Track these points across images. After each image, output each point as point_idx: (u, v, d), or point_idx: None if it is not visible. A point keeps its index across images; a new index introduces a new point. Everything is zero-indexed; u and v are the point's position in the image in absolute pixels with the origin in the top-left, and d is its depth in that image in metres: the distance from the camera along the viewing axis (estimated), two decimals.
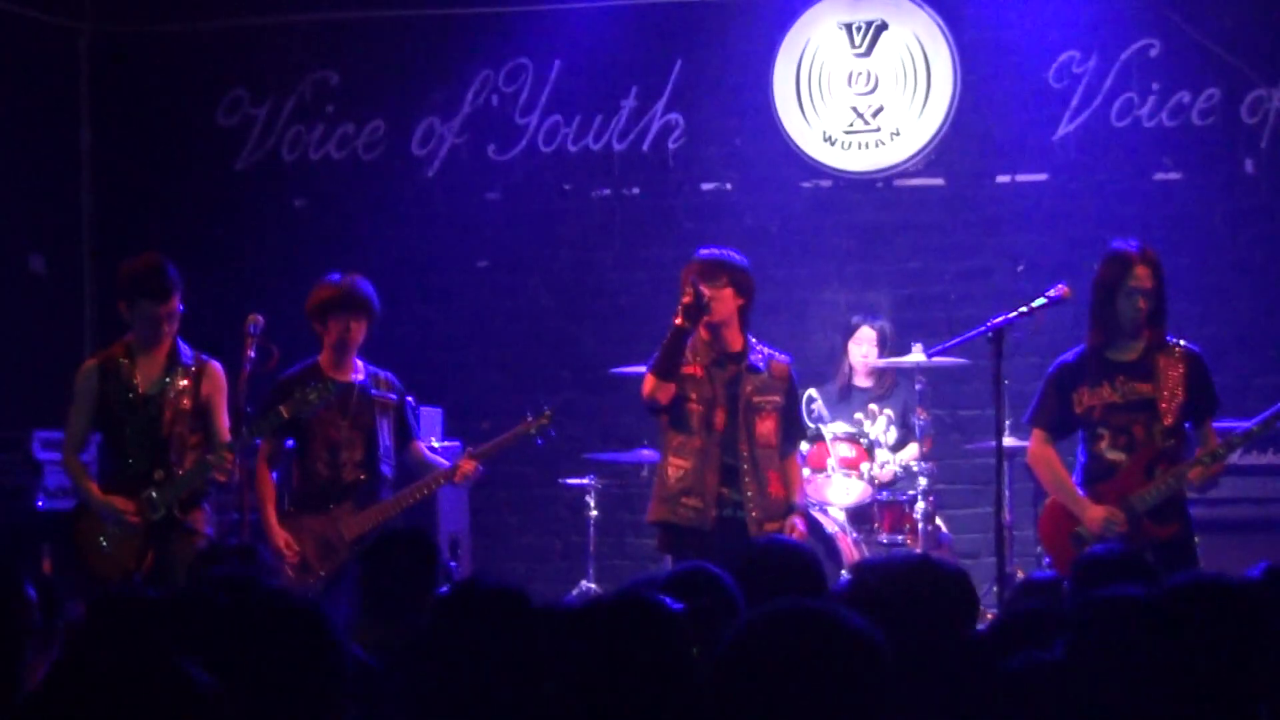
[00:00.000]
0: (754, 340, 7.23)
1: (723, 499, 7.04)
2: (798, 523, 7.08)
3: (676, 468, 7.08)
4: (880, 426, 8.91)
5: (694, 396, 7.08)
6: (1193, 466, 6.81)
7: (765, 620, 2.72)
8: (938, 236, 9.95)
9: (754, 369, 7.14)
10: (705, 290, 6.97)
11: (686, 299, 6.95)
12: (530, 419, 7.61)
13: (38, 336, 10.16)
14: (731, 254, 7.20)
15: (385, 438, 7.48)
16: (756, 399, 7.11)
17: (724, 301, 7.06)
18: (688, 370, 7.09)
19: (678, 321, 6.96)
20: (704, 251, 7.22)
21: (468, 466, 7.48)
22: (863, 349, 9.19)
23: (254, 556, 5.57)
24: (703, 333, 7.09)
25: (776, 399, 7.15)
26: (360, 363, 7.56)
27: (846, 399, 9.12)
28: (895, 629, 2.89)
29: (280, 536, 7.30)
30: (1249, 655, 3.28)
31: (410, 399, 7.83)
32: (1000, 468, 6.83)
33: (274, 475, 7.50)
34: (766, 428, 7.11)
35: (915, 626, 3.43)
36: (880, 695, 2.64)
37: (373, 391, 7.49)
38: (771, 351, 7.27)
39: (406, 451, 7.63)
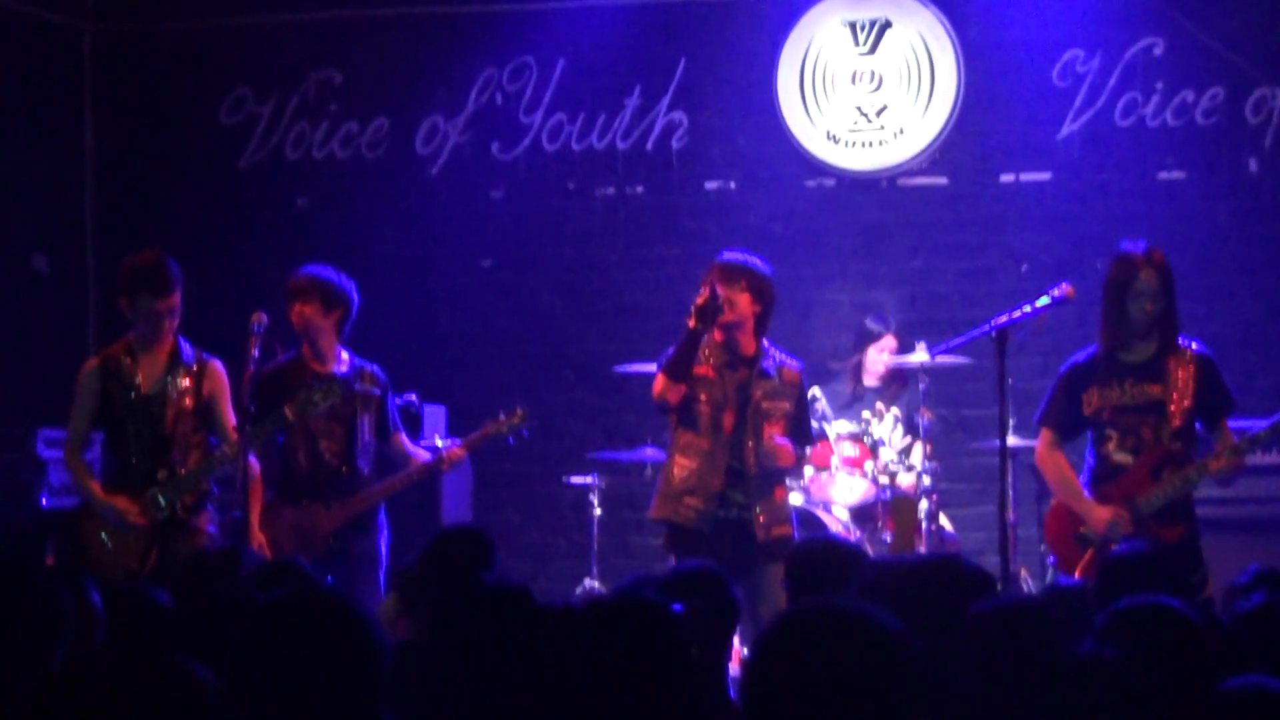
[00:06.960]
0: (768, 346, 7.24)
1: (726, 500, 7.07)
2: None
3: (682, 467, 7.11)
4: (887, 425, 8.89)
5: (704, 397, 7.11)
6: (1199, 467, 6.80)
7: (794, 619, 2.72)
8: (941, 236, 9.94)
9: (764, 374, 7.16)
10: (721, 291, 6.98)
11: (701, 300, 6.96)
12: (503, 418, 7.58)
13: (41, 335, 10.15)
14: (754, 260, 7.23)
15: (365, 432, 7.44)
16: (765, 405, 7.14)
17: (740, 305, 7.08)
18: (699, 371, 7.12)
19: (690, 323, 6.97)
20: (727, 254, 7.26)
21: (457, 453, 7.47)
22: (885, 356, 9.12)
23: (238, 558, 5.52)
24: (716, 334, 7.11)
25: (785, 406, 7.19)
26: (346, 354, 7.51)
27: (859, 400, 9.08)
28: (917, 627, 2.89)
29: (257, 540, 7.20)
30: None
31: (397, 394, 7.78)
32: (1004, 467, 6.82)
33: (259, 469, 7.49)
34: (773, 434, 7.13)
35: (937, 625, 3.44)
36: (909, 695, 2.64)
37: (355, 386, 7.45)
38: (784, 357, 7.30)
39: (389, 445, 7.59)
